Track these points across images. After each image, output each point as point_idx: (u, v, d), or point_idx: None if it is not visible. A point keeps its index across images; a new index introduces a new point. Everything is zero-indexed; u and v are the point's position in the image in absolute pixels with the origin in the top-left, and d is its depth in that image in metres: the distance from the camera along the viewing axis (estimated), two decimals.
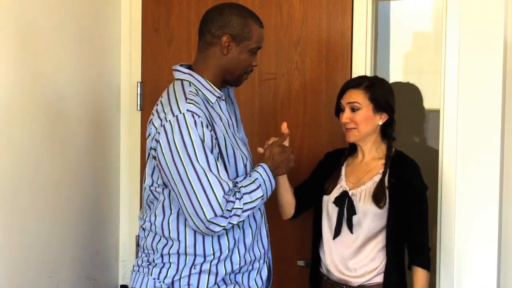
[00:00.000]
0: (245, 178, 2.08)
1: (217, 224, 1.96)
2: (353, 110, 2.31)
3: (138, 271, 2.15)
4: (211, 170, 1.95)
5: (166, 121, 1.95)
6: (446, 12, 2.57)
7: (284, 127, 2.28)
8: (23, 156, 2.35)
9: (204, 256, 2.06)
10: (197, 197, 1.94)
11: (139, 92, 3.03)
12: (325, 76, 2.79)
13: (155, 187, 2.08)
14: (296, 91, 2.83)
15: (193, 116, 1.94)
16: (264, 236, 2.23)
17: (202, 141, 1.94)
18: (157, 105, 2.06)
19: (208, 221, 1.95)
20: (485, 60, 2.51)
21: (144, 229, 2.15)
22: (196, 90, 2.04)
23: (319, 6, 2.78)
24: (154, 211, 2.09)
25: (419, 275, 2.28)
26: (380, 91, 2.33)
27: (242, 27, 2.07)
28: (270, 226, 2.89)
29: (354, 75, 2.72)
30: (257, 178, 2.07)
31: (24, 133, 2.35)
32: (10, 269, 2.29)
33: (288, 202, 2.43)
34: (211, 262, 2.08)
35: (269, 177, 2.10)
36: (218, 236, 2.06)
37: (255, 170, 2.11)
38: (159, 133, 1.96)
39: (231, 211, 1.97)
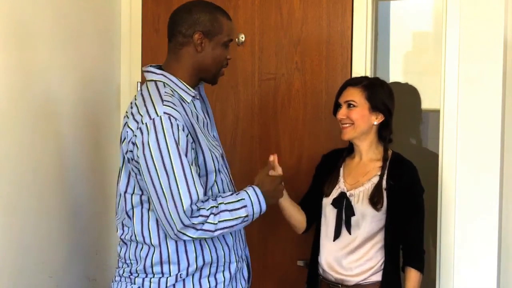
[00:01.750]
0: (231, 194, 2.04)
1: (185, 234, 1.93)
2: (349, 107, 2.32)
3: (120, 280, 2.13)
4: (184, 175, 1.90)
5: (143, 123, 1.92)
6: (446, 12, 2.57)
7: (272, 158, 2.23)
8: (22, 156, 2.35)
9: (188, 262, 2.04)
10: (167, 204, 1.91)
11: None
12: (325, 76, 2.79)
13: (130, 193, 2.05)
14: (296, 91, 2.83)
15: (170, 119, 1.91)
16: (242, 233, 2.21)
17: (177, 145, 1.91)
18: (131, 107, 2.03)
19: (178, 230, 1.92)
20: (485, 60, 2.51)
21: (124, 239, 2.11)
22: (171, 91, 2.02)
23: (319, 6, 2.78)
24: (133, 219, 2.06)
25: (412, 276, 2.30)
26: (378, 91, 2.34)
27: (212, 22, 2.06)
28: (269, 227, 2.90)
29: (354, 75, 2.72)
30: (243, 198, 2.02)
31: (23, 133, 2.35)
32: (10, 269, 2.29)
33: (298, 220, 2.45)
34: (201, 270, 2.05)
35: (259, 200, 2.05)
36: (201, 243, 2.04)
37: (244, 190, 2.06)
38: (135, 135, 1.93)
39: (203, 224, 1.93)
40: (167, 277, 2.04)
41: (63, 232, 2.61)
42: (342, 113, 2.34)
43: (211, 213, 1.94)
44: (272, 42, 2.85)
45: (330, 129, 2.78)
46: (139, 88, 3.02)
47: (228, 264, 2.11)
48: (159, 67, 2.11)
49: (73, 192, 2.68)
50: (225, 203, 1.98)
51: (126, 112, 2.05)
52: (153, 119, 1.91)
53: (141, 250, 2.06)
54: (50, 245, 2.53)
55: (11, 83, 2.27)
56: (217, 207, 1.96)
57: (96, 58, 2.86)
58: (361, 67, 2.72)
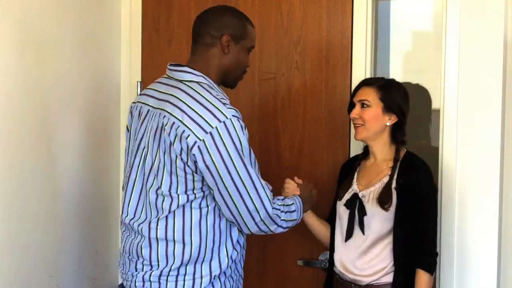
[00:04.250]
0: (284, 198, 2.19)
1: (267, 225, 2.07)
2: (363, 106, 2.33)
3: (143, 286, 2.07)
4: (258, 171, 2.06)
5: (212, 127, 1.95)
6: (446, 12, 2.57)
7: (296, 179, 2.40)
8: (22, 156, 2.35)
9: (220, 263, 2.08)
10: (251, 198, 2.01)
11: (139, 92, 3.02)
12: (325, 76, 2.79)
13: (176, 193, 2.02)
14: (296, 91, 2.83)
15: (239, 121, 2.00)
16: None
17: (249, 146, 2.02)
18: (179, 107, 1.99)
19: (261, 220, 2.04)
20: (485, 60, 2.51)
21: (151, 238, 2.05)
22: (217, 94, 2.06)
23: (319, 6, 2.78)
24: (175, 218, 2.03)
25: (421, 278, 2.25)
26: (392, 92, 2.34)
27: (239, 27, 2.13)
28: None
29: (354, 75, 2.73)
30: (293, 203, 2.20)
31: (23, 133, 2.35)
32: (10, 269, 2.29)
33: (325, 235, 2.50)
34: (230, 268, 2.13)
35: (301, 208, 2.24)
36: (232, 242, 2.12)
37: (292, 197, 2.24)
38: (203, 140, 1.95)
39: (278, 216, 2.09)
40: (201, 278, 2.06)
41: (63, 232, 2.61)
42: (355, 112, 2.34)
43: (282, 212, 2.11)
44: (272, 42, 2.85)
45: (330, 129, 2.78)
46: (139, 88, 3.04)
47: (239, 262, 2.18)
48: (190, 67, 2.12)
49: (73, 192, 2.68)
50: (285, 205, 2.16)
51: (170, 113, 2.00)
52: (224, 121, 1.97)
53: (174, 248, 2.04)
54: (50, 245, 2.52)
55: (11, 85, 2.27)
56: (283, 205, 2.14)
57: (96, 58, 2.86)
58: (361, 67, 2.73)
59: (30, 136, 2.39)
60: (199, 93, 2.03)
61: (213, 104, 1.99)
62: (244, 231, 2.09)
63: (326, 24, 2.78)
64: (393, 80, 2.42)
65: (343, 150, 2.76)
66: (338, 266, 2.37)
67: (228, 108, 2.00)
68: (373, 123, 2.32)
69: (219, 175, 1.98)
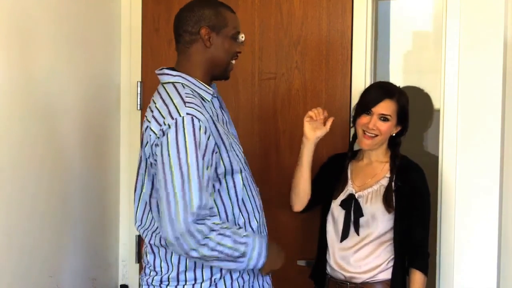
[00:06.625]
0: (239, 228, 2.00)
1: (185, 240, 1.86)
2: (383, 119, 2.32)
3: None
4: (198, 177, 1.87)
5: (165, 125, 1.90)
6: (446, 12, 2.57)
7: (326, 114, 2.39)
8: (22, 156, 2.34)
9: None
10: (176, 202, 1.86)
11: (139, 92, 3.03)
12: (325, 76, 2.79)
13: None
14: (296, 91, 2.83)
15: (193, 120, 1.89)
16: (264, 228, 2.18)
17: (196, 146, 1.88)
18: (151, 111, 2.00)
19: (180, 234, 1.86)
20: (485, 59, 2.51)
21: (154, 244, 2.05)
22: (192, 91, 2.00)
23: (319, 6, 2.78)
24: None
25: (417, 278, 2.30)
26: (405, 105, 2.36)
27: (216, 16, 2.04)
28: (269, 226, 2.89)
29: (354, 75, 2.73)
30: (248, 235, 1.97)
31: (24, 133, 2.35)
32: (10, 269, 2.29)
33: (305, 191, 2.44)
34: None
35: (262, 252, 1.98)
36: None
37: (256, 235, 2.02)
38: (158, 137, 1.92)
39: (203, 236, 1.87)
40: (201, 283, 2.01)
41: (63, 232, 2.61)
42: (374, 124, 2.31)
43: (212, 230, 1.89)
44: (272, 42, 2.85)
45: (330, 128, 2.78)
46: (139, 88, 3.04)
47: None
48: (173, 69, 2.08)
49: (73, 192, 2.68)
50: (230, 228, 1.94)
51: (146, 117, 2.02)
52: (176, 119, 1.90)
53: (171, 255, 2.02)
54: (50, 245, 2.52)
55: (12, 83, 2.27)
56: (221, 226, 1.91)
57: (96, 58, 2.86)
58: (361, 67, 2.73)
59: (29, 136, 2.39)
60: (168, 94, 1.99)
61: (173, 103, 1.94)
62: (163, 236, 1.91)
63: (326, 24, 2.78)
64: (402, 91, 2.42)
65: (343, 150, 2.75)
66: (333, 264, 2.37)
67: (187, 107, 1.92)
68: (385, 134, 2.34)
69: (159, 170, 1.89)
